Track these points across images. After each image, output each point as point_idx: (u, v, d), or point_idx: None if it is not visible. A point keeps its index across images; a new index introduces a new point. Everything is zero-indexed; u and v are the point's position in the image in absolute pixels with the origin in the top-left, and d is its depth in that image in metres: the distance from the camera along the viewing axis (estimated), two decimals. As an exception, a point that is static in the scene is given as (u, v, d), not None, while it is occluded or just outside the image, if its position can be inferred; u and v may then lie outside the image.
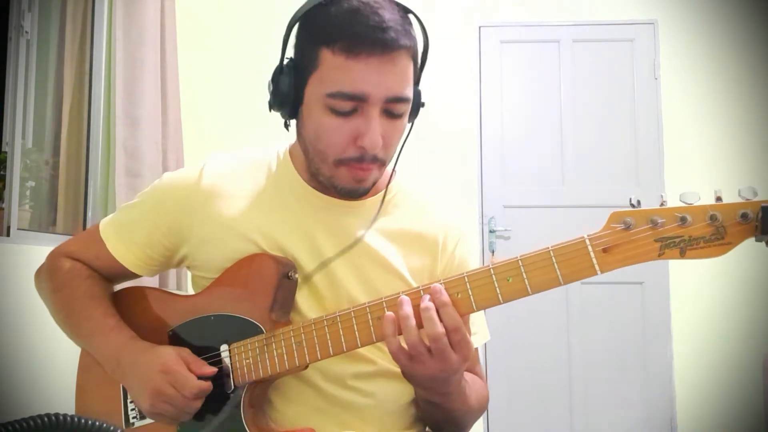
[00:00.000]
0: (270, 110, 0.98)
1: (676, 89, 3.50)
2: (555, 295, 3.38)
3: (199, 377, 0.93)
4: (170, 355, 0.94)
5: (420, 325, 0.83)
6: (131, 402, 1.02)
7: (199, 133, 3.36)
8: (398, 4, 0.92)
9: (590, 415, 3.37)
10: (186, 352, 0.96)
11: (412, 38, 0.91)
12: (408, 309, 0.83)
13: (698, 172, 3.35)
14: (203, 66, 3.53)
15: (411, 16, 0.94)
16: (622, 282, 3.40)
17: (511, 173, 3.53)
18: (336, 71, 0.88)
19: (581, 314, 3.42)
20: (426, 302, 0.83)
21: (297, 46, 0.95)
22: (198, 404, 0.93)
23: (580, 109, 3.53)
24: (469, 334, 0.86)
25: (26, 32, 2.49)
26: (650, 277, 3.41)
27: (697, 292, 3.37)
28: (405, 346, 0.84)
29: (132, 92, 2.90)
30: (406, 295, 0.85)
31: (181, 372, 0.92)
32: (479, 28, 3.60)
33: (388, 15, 0.88)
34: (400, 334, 0.85)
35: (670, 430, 3.34)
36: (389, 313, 0.84)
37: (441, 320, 0.82)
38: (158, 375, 0.93)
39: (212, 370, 0.94)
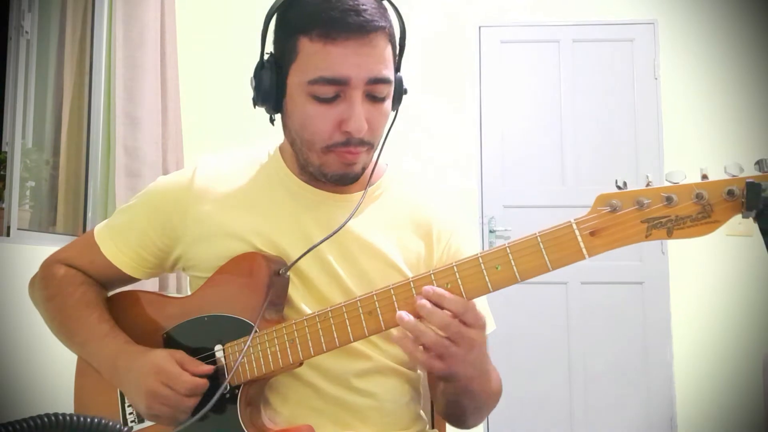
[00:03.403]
0: (254, 107, 0.99)
1: (676, 89, 3.50)
2: (555, 295, 3.43)
3: (195, 375, 0.93)
4: (163, 357, 0.95)
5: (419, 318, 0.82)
6: (129, 405, 1.02)
7: (199, 133, 3.36)
8: None
9: (590, 415, 3.37)
10: (180, 353, 0.96)
11: (388, 20, 0.92)
12: (410, 320, 0.82)
13: (698, 172, 3.35)
14: (203, 66, 3.53)
15: (386, 4, 0.94)
16: (622, 282, 3.40)
17: (511, 173, 3.53)
18: (315, 57, 0.89)
19: (581, 314, 3.42)
20: (420, 301, 0.82)
21: (275, 40, 0.96)
22: (193, 402, 0.93)
23: (580, 109, 3.53)
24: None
25: (26, 32, 2.50)
26: (650, 277, 3.41)
27: (697, 292, 3.37)
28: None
29: (132, 92, 2.90)
30: (395, 288, 0.85)
31: (174, 371, 0.92)
32: (479, 28, 3.60)
33: None
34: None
35: (670, 430, 3.34)
36: (397, 335, 0.83)
37: (444, 308, 0.81)
38: (151, 376, 0.93)
39: (207, 368, 0.94)
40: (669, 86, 3.50)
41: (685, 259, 3.36)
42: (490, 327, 1.07)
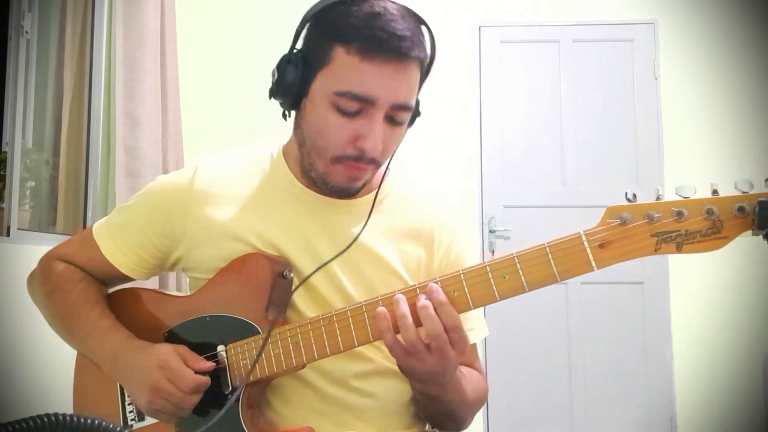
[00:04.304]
0: (270, 98, 0.98)
1: (676, 89, 3.50)
2: (555, 295, 3.43)
3: (197, 372, 0.93)
4: (167, 352, 0.94)
5: (418, 323, 0.83)
6: (129, 404, 1.02)
7: (199, 133, 3.36)
8: (415, 15, 0.93)
9: (590, 415, 3.37)
10: (183, 348, 0.96)
11: (424, 51, 0.93)
12: (404, 307, 0.84)
13: (698, 172, 3.35)
14: (203, 66, 3.53)
15: (423, 28, 0.95)
16: (622, 282, 3.40)
17: (511, 173, 3.53)
18: (348, 70, 0.89)
19: (581, 314, 3.42)
20: (423, 301, 0.83)
21: (308, 39, 0.95)
22: (195, 399, 0.93)
23: (580, 109, 3.53)
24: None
25: (26, 32, 2.49)
26: (650, 277, 3.41)
27: (697, 292, 3.37)
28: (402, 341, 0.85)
29: (132, 92, 2.90)
30: (401, 293, 0.86)
31: (178, 367, 0.92)
32: (479, 28, 3.60)
33: (406, 24, 0.90)
34: (397, 332, 0.85)
35: (670, 429, 3.34)
36: (382, 308, 0.85)
37: (439, 318, 0.82)
38: (155, 371, 0.93)
39: (209, 365, 0.94)
40: (669, 86, 3.50)
41: (685, 259, 3.36)
42: (483, 333, 1.08)
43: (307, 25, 0.95)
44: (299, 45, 0.96)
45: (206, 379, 0.93)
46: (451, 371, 0.88)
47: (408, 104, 0.93)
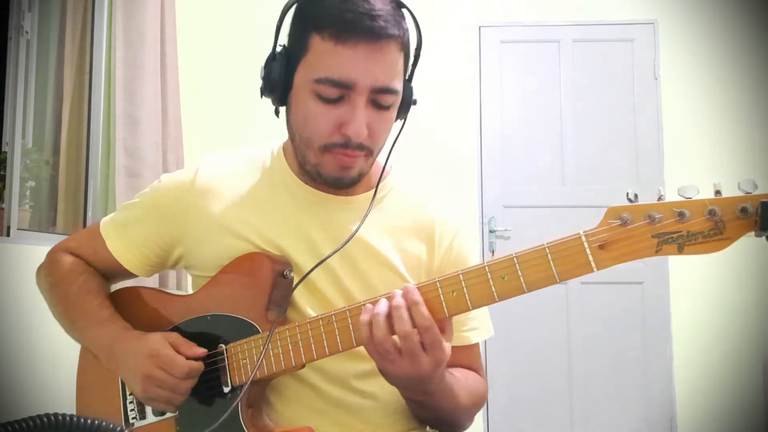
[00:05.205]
0: (261, 96, 0.99)
1: (676, 89, 3.50)
2: (555, 294, 3.43)
3: (190, 358, 0.93)
4: (157, 340, 0.95)
5: (392, 325, 0.83)
6: (131, 402, 1.03)
7: (199, 133, 3.36)
8: None
9: (590, 415, 3.37)
10: (174, 335, 0.96)
11: (403, 29, 0.92)
12: (381, 307, 0.83)
13: (698, 172, 3.35)
14: (203, 66, 3.53)
15: (405, 11, 0.94)
16: (622, 282, 3.40)
17: (511, 173, 3.53)
18: (324, 57, 0.89)
19: (581, 314, 3.42)
20: (396, 301, 0.83)
21: (290, 33, 0.96)
22: (189, 384, 0.93)
23: (580, 109, 3.53)
24: (446, 338, 0.84)
25: (26, 32, 2.50)
26: (650, 277, 3.41)
27: (697, 292, 3.37)
28: None
29: (132, 92, 2.90)
30: (388, 294, 0.85)
31: (168, 354, 0.93)
32: (479, 28, 3.60)
33: (379, 4, 0.89)
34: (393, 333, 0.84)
35: (670, 429, 3.34)
36: (368, 305, 0.84)
37: (412, 319, 0.82)
38: (147, 360, 0.93)
39: (202, 351, 0.95)
40: (669, 86, 3.50)
41: (685, 259, 3.36)
42: (487, 334, 1.08)
43: (286, 18, 0.96)
44: (284, 41, 0.96)
45: (199, 364, 0.93)
46: (434, 377, 0.87)
47: (389, 87, 0.91)
